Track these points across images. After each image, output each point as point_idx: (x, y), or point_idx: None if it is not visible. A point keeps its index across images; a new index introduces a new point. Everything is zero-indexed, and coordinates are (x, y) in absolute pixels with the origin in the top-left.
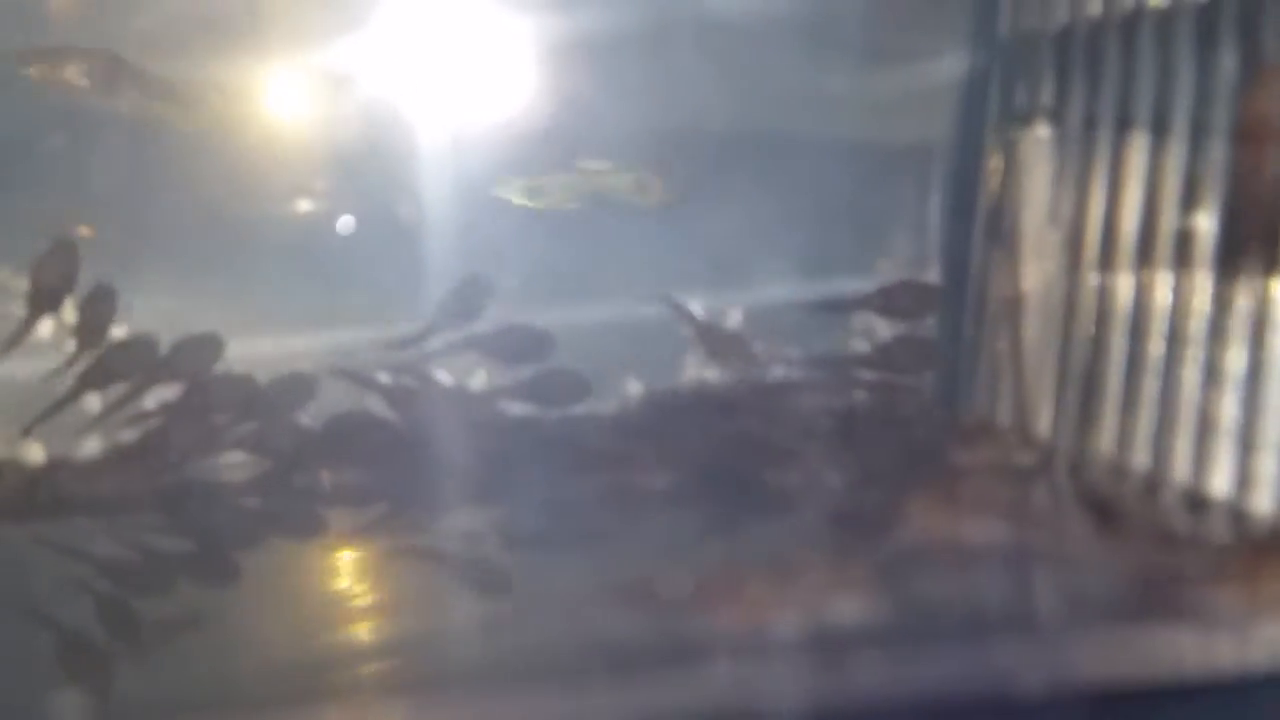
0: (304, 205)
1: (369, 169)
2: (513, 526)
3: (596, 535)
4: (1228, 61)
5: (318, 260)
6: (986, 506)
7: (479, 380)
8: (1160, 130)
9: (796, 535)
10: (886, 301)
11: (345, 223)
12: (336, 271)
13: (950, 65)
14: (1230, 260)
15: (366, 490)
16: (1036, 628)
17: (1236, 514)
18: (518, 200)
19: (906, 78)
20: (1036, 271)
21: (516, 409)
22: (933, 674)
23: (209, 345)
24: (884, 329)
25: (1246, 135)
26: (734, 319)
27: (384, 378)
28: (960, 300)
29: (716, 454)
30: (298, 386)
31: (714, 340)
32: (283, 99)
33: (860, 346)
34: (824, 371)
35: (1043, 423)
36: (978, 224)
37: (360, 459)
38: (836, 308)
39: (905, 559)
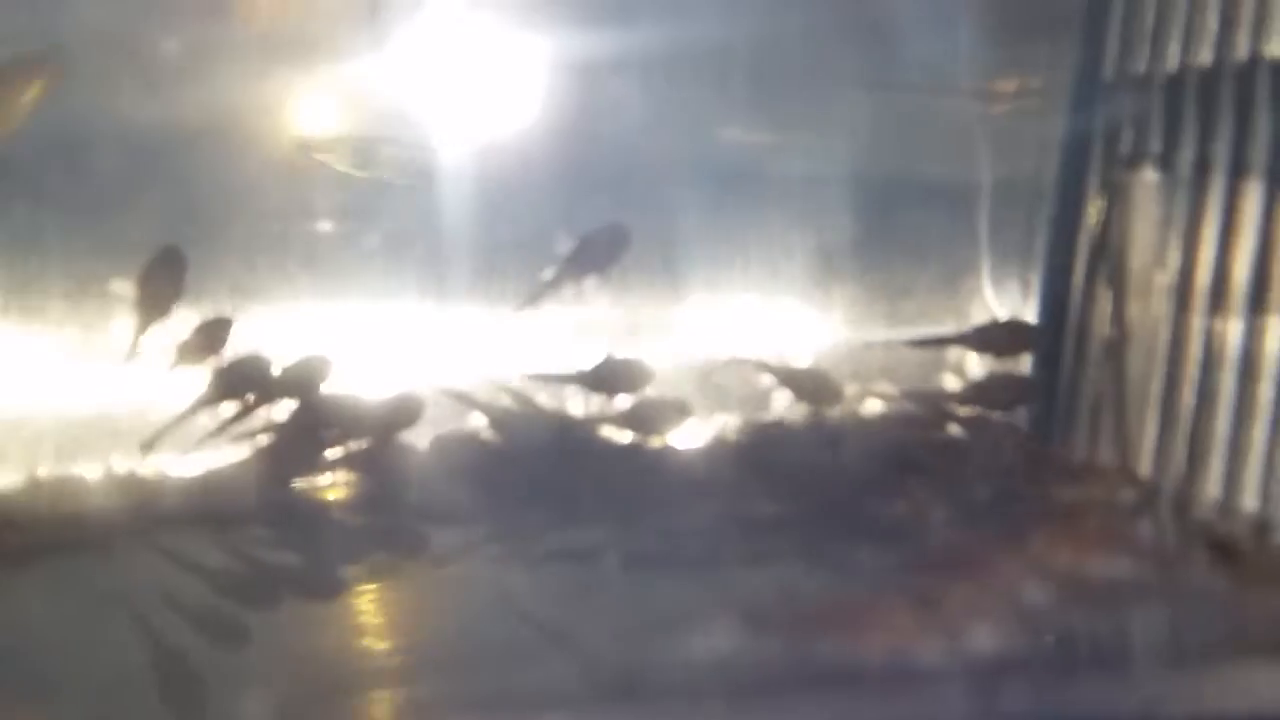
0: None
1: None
2: (625, 549)
3: (713, 560)
4: None
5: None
6: (1100, 542)
7: (578, 405)
8: (1275, 178)
9: (912, 565)
10: (983, 340)
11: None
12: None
13: (1054, 107)
14: None
15: (471, 509)
16: (1162, 663)
17: None
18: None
19: (1010, 119)
20: (1142, 312)
21: (617, 435)
22: (1067, 706)
23: (319, 365)
24: (976, 366)
25: None
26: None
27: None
28: (1059, 338)
29: (818, 485)
30: (407, 407)
31: (799, 383)
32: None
33: (952, 383)
34: (919, 406)
35: (1145, 462)
36: (1079, 264)
37: (463, 479)
38: (932, 345)
39: (1025, 591)
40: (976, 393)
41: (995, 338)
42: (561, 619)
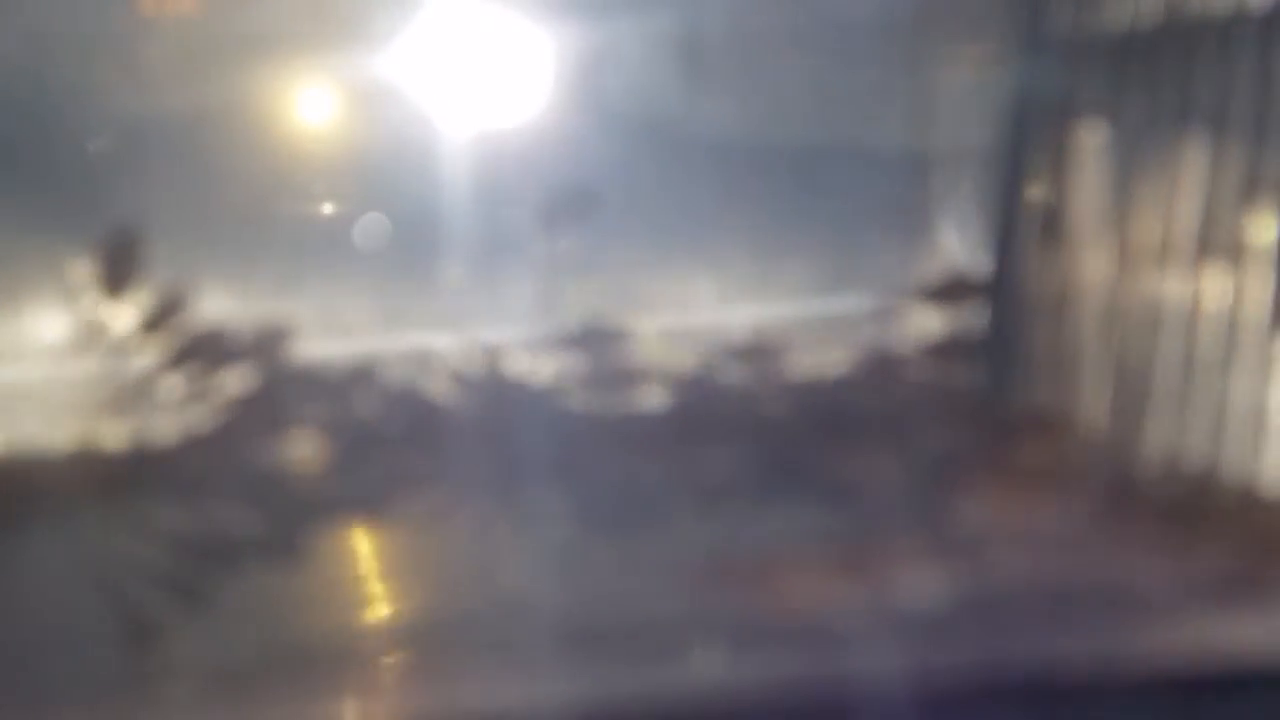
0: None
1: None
2: (577, 511)
3: (663, 520)
4: None
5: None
6: (1045, 498)
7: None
8: (1219, 134)
9: (858, 524)
10: (932, 295)
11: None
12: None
13: (1000, 63)
14: None
15: (430, 474)
16: (1098, 618)
17: None
18: None
19: (955, 75)
20: (1088, 269)
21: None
22: (1012, 665)
23: (279, 335)
24: (928, 326)
25: None
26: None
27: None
28: (1007, 297)
29: (768, 447)
30: (362, 372)
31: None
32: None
33: (904, 344)
34: (868, 369)
35: (1092, 421)
36: (1026, 221)
37: (422, 443)
38: (883, 305)
39: (966, 549)
40: (926, 353)
41: (944, 291)
42: (519, 582)
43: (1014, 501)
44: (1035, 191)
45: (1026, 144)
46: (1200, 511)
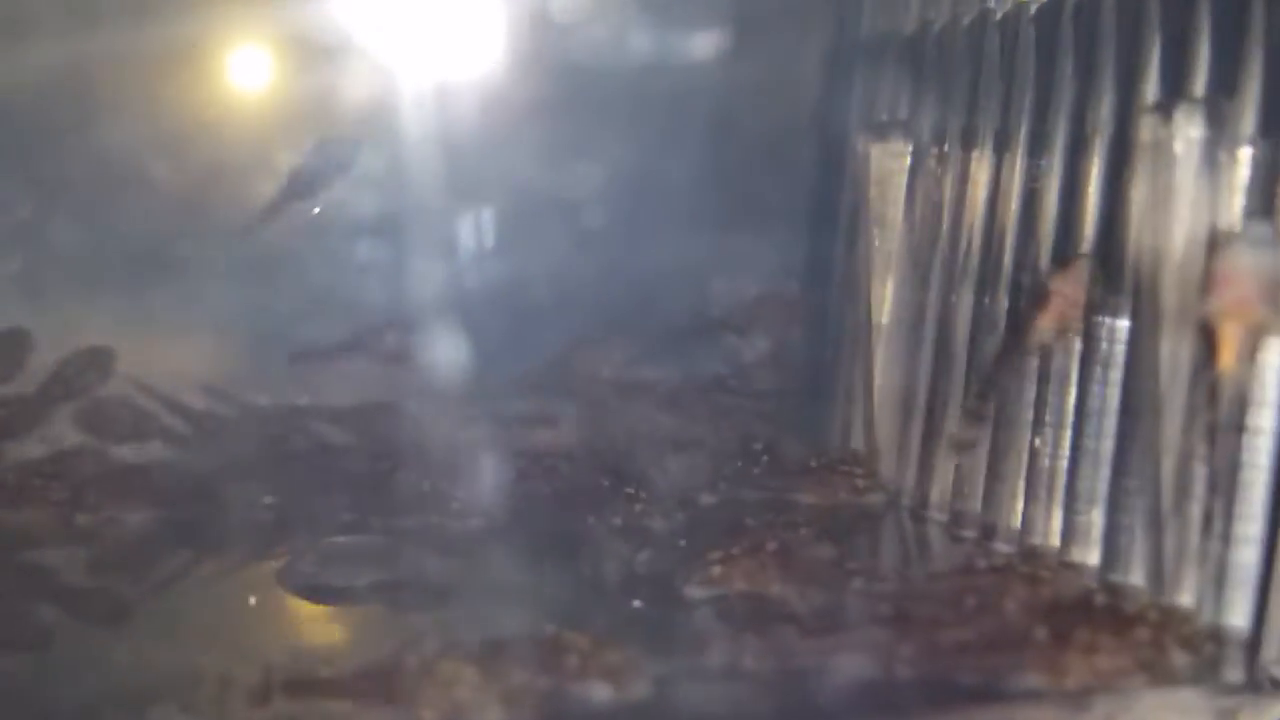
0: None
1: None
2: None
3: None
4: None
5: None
6: (809, 561)
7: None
8: (1003, 142)
9: (583, 595)
10: (748, 319)
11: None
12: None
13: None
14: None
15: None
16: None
17: (1067, 568)
18: None
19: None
20: (889, 291)
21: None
22: None
23: (99, 359)
24: (748, 352)
25: None
26: None
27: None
28: (823, 320)
29: (515, 491)
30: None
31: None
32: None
33: (719, 369)
34: (671, 397)
35: (888, 461)
36: (839, 238)
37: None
38: (696, 330)
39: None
40: (740, 381)
41: (760, 316)
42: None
43: (781, 560)
44: (846, 204)
45: (837, 153)
46: (974, 569)
